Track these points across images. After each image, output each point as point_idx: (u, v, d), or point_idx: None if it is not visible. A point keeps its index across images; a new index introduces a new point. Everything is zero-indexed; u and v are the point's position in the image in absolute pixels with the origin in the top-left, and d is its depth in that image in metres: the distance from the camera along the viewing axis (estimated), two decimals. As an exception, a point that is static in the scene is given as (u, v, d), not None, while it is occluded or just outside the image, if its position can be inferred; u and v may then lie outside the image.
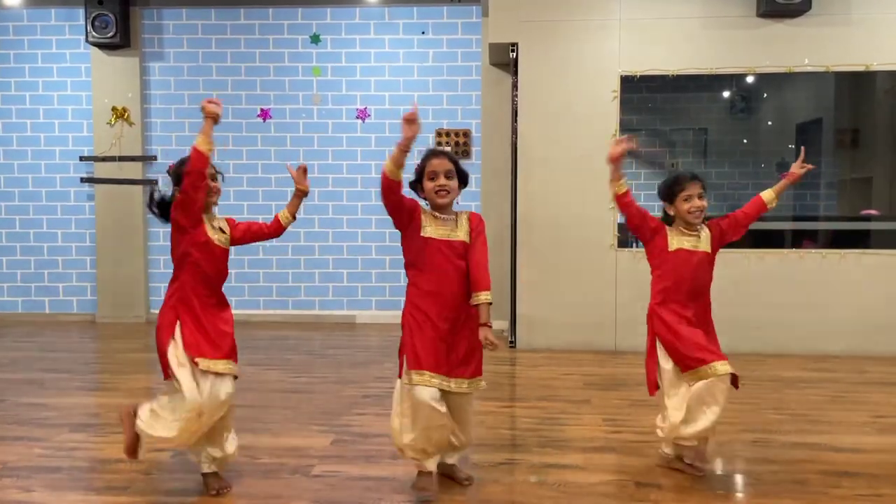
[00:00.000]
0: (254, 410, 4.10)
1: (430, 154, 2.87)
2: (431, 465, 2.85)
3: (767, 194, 3.10)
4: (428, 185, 2.84)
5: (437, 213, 2.86)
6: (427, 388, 2.70)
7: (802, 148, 3.14)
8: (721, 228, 3.12)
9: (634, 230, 3.19)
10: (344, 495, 2.90)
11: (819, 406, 4.24)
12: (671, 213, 3.12)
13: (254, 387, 4.67)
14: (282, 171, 7.19)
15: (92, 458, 3.38)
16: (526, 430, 3.81)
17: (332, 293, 7.21)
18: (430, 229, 2.82)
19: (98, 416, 4.08)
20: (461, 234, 2.83)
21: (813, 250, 5.77)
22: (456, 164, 2.86)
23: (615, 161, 3.10)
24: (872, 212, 6.34)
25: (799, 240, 6.09)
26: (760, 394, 4.49)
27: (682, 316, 3.02)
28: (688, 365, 2.96)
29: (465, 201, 6.94)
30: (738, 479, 3.18)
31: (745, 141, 7.87)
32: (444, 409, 2.74)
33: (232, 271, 7.92)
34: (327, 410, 4.10)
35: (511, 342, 6.01)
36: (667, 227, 3.12)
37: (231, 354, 2.88)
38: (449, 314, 2.78)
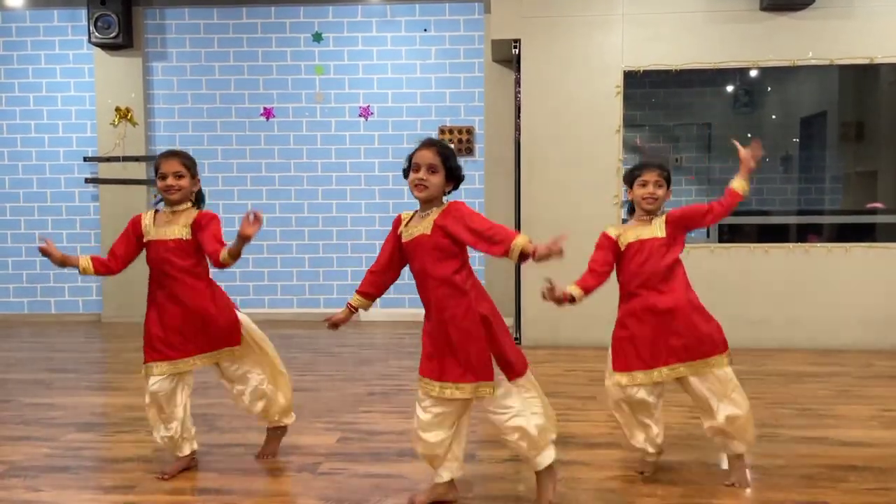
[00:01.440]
0: (260, 409, 4.10)
1: (422, 143, 2.68)
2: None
3: (735, 182, 3.03)
4: (410, 176, 2.65)
5: (417, 212, 2.71)
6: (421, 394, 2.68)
7: (756, 141, 3.06)
8: (681, 213, 3.01)
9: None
10: (351, 493, 2.90)
11: (826, 400, 4.23)
12: (630, 198, 3.08)
13: (259, 385, 4.67)
14: (285, 170, 7.21)
15: (99, 457, 3.39)
16: (532, 426, 3.80)
17: (337, 291, 7.22)
18: (406, 234, 2.70)
19: (105, 416, 4.10)
20: (422, 228, 2.63)
21: (818, 244, 5.75)
22: (446, 158, 2.64)
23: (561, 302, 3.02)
24: (878, 205, 6.32)
25: (804, 234, 6.08)
26: (767, 388, 4.49)
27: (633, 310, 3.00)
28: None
29: (470, 199, 6.94)
30: (746, 473, 3.17)
31: (749, 135, 7.82)
32: (436, 419, 2.64)
33: (236, 270, 7.95)
34: (333, 408, 4.11)
35: (516, 339, 6.01)
36: (610, 232, 3.06)
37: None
38: (431, 315, 2.67)
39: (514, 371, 2.66)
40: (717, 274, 5.60)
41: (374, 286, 2.89)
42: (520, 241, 2.52)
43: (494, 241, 2.53)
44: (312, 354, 5.67)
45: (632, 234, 3.00)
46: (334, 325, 2.93)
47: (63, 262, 3.05)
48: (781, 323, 5.67)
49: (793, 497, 2.81)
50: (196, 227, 3.01)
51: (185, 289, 3.02)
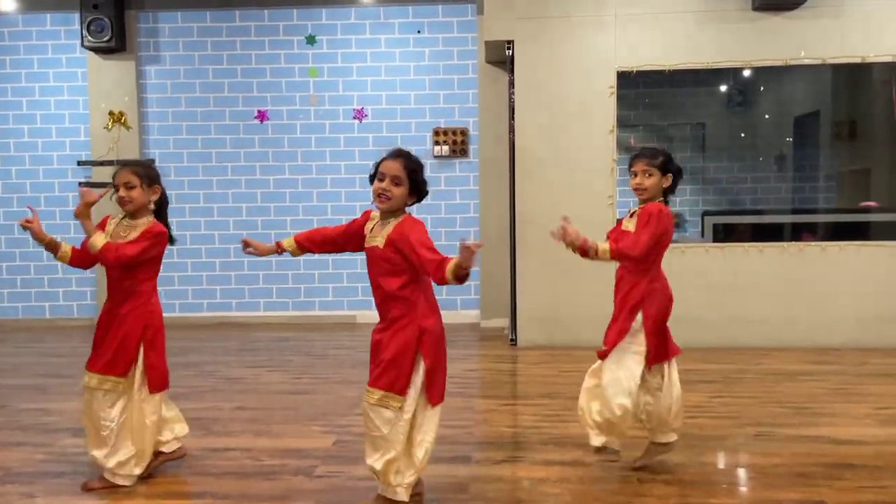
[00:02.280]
0: (255, 412, 4.10)
1: (390, 154, 2.69)
2: None
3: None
4: (374, 184, 2.68)
5: (379, 219, 2.73)
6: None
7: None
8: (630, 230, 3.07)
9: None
10: (347, 496, 2.90)
11: (821, 399, 4.24)
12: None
13: (255, 389, 4.67)
14: (280, 173, 7.20)
15: (94, 462, 3.37)
16: (528, 427, 3.81)
17: (333, 293, 7.22)
18: (368, 237, 2.74)
19: (100, 421, 4.08)
20: (378, 239, 2.66)
21: (812, 243, 5.76)
22: (412, 172, 2.64)
23: None
24: (871, 203, 6.34)
25: (798, 233, 6.10)
26: (762, 387, 4.49)
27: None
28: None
29: (465, 200, 6.94)
30: (742, 472, 3.18)
31: (742, 135, 7.87)
32: (385, 427, 2.64)
33: (231, 274, 7.92)
34: (329, 411, 4.10)
35: (512, 340, 6.01)
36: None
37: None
38: (378, 324, 2.75)
39: (429, 398, 2.67)
40: (711, 273, 5.61)
41: (312, 242, 2.97)
42: (449, 266, 2.43)
43: (434, 268, 2.49)
44: (308, 357, 5.66)
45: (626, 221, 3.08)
46: (247, 245, 3.01)
47: (43, 240, 3.01)
48: (777, 322, 5.68)
49: (789, 495, 2.82)
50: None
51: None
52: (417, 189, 2.68)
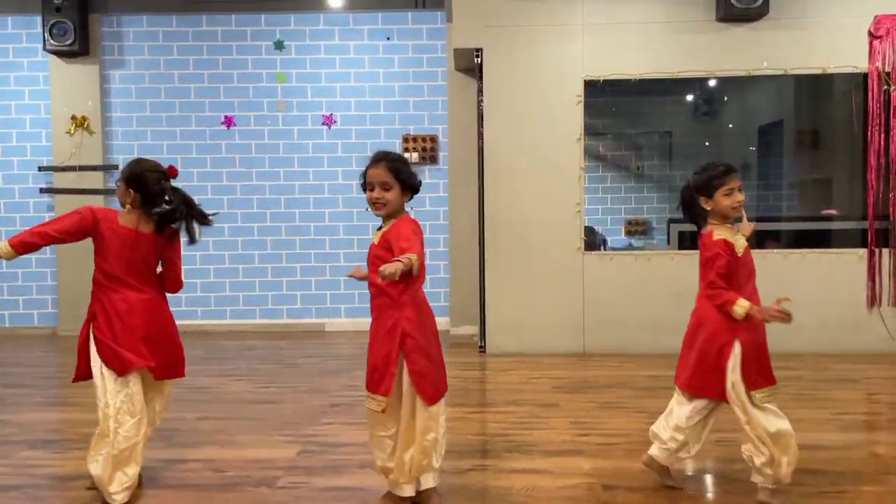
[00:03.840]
0: (219, 423, 4.03)
1: (371, 161, 2.73)
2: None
3: None
4: (367, 195, 2.73)
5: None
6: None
7: None
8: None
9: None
10: (310, 507, 2.86)
11: (783, 404, 4.25)
12: (709, 207, 2.98)
13: (219, 398, 4.60)
14: (247, 179, 7.13)
15: (52, 475, 3.30)
16: (495, 434, 3.80)
17: (301, 301, 7.15)
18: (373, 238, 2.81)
19: (59, 432, 3.99)
20: (376, 238, 2.74)
21: (776, 250, 5.86)
22: (398, 172, 2.68)
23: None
24: (832, 211, 6.46)
25: (762, 240, 6.18)
26: (726, 393, 4.53)
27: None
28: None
29: (434, 206, 6.94)
30: (706, 479, 3.20)
31: (707, 143, 7.98)
32: (390, 428, 2.74)
33: (197, 281, 7.81)
34: (294, 421, 4.05)
35: (481, 347, 6.01)
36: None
37: None
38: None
39: (423, 398, 2.70)
40: (677, 280, 5.65)
41: None
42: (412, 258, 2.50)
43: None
44: (275, 366, 5.60)
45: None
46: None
47: None
48: (741, 328, 5.73)
49: (750, 501, 2.85)
50: None
51: None
52: (409, 185, 2.72)
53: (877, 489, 2.98)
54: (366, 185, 2.72)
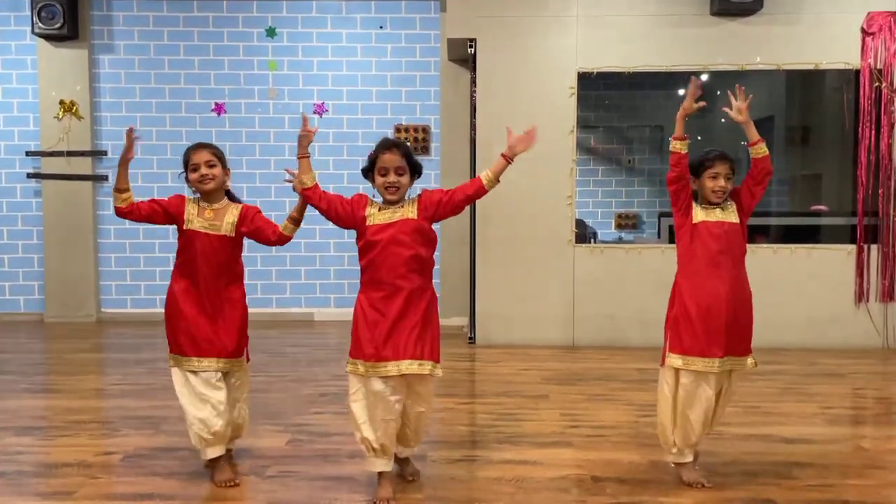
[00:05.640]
0: (208, 411, 4.00)
1: (383, 147, 2.80)
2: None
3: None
4: (379, 179, 2.79)
5: (381, 207, 2.83)
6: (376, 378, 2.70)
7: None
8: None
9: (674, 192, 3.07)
10: (299, 496, 2.85)
11: (771, 398, 4.32)
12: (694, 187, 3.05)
13: (208, 386, 4.57)
14: (237, 167, 7.07)
15: (38, 462, 3.28)
16: (484, 426, 3.81)
17: (290, 290, 7.12)
18: (376, 217, 2.80)
19: (45, 419, 3.96)
20: (404, 212, 2.78)
21: (765, 245, 5.88)
22: (408, 157, 2.80)
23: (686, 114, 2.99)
24: (822, 207, 6.49)
25: (751, 235, 6.20)
26: (714, 387, 4.55)
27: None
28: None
29: (424, 197, 6.91)
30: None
31: (699, 138, 7.98)
32: (395, 397, 2.71)
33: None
34: (284, 410, 4.04)
35: (471, 338, 6.01)
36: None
37: None
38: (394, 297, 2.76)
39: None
40: (668, 274, 5.66)
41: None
42: (488, 173, 2.94)
43: (467, 195, 2.90)
44: (264, 355, 5.57)
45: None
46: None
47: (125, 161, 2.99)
48: (729, 322, 5.77)
49: (738, 494, 2.86)
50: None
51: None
52: (418, 170, 2.85)
53: (862, 483, 3.01)
54: (374, 171, 2.80)
